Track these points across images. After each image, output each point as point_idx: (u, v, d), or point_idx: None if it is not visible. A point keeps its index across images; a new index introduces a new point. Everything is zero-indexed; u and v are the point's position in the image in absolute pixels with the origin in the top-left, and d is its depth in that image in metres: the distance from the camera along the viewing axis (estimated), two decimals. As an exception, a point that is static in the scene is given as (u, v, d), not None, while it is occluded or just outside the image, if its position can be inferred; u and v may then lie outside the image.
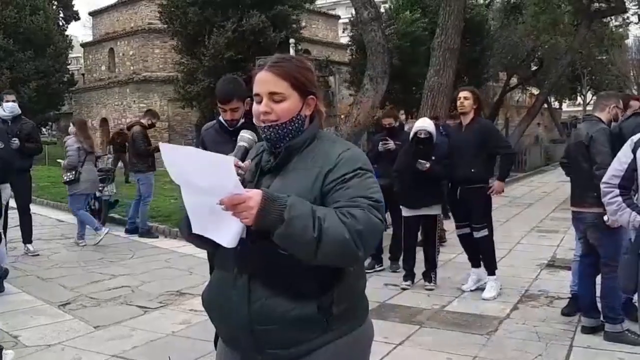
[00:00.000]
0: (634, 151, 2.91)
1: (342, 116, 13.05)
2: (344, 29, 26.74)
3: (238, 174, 1.55)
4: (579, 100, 38.82)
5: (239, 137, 1.80)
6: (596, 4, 17.05)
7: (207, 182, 1.50)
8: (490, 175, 5.54)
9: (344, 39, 26.65)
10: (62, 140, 8.82)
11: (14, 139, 6.62)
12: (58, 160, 8.30)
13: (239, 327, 1.67)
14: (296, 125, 1.71)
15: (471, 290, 5.52)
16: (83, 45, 29.41)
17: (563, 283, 5.55)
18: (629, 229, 2.98)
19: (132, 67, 24.33)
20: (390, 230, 6.34)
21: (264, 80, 1.70)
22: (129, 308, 5.09)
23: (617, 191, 2.97)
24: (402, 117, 8.20)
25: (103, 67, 26.53)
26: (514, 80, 25.35)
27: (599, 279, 4.34)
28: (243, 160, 1.73)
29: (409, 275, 5.78)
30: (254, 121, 1.76)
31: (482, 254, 5.49)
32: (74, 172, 7.52)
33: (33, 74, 23.85)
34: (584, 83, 32.64)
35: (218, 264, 1.79)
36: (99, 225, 7.74)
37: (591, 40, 20.30)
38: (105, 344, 4.17)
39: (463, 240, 5.63)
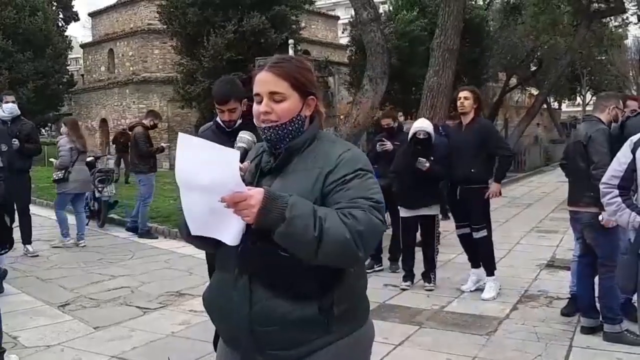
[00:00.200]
0: (633, 151, 2.91)
1: (342, 117, 13.05)
2: (344, 30, 26.77)
3: None
4: (579, 100, 38.87)
5: (237, 138, 1.80)
6: (595, 5, 17.07)
7: (210, 177, 1.50)
8: (490, 175, 5.54)
9: (344, 40, 26.65)
10: (55, 140, 8.81)
11: (14, 139, 6.62)
12: (51, 160, 8.31)
13: (239, 328, 1.67)
14: (296, 125, 1.71)
15: (471, 291, 5.52)
16: (82, 46, 29.42)
17: (562, 283, 5.55)
18: (628, 230, 2.98)
19: (131, 68, 24.33)
20: (389, 231, 6.34)
21: (265, 81, 1.71)
22: (128, 309, 5.09)
23: (617, 191, 2.97)
24: (401, 117, 8.20)
25: (102, 68, 26.54)
26: (513, 81, 25.37)
27: (597, 279, 4.35)
28: (242, 161, 1.73)
29: (409, 276, 5.78)
30: (254, 122, 1.76)
31: (481, 254, 5.49)
32: (63, 171, 7.52)
33: (32, 75, 23.86)
34: (583, 83, 32.67)
35: (219, 265, 1.79)
36: (67, 233, 7.68)
37: (590, 40, 20.32)
38: (105, 345, 4.17)
39: (463, 241, 5.63)
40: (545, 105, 27.01)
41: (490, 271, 5.43)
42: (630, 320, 4.26)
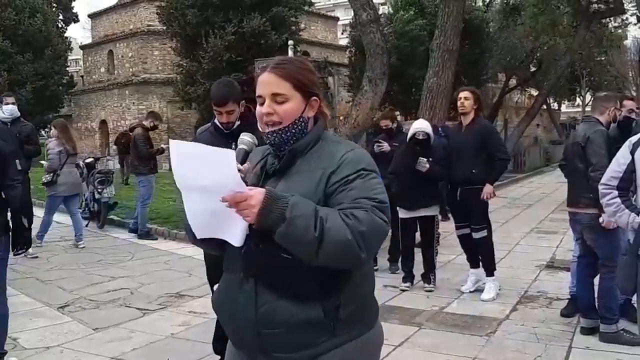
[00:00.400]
0: (632, 152, 2.91)
1: (341, 117, 13.06)
2: (343, 31, 26.81)
3: None
4: (578, 101, 38.86)
5: (239, 140, 1.80)
6: (595, 5, 17.09)
7: (210, 179, 1.51)
8: (490, 176, 5.52)
9: (343, 41, 26.69)
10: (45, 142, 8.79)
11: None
12: (41, 162, 8.32)
13: (245, 330, 1.67)
14: (299, 127, 1.71)
15: (470, 292, 5.52)
16: (82, 47, 29.42)
17: (562, 284, 5.55)
18: (627, 230, 2.98)
19: (131, 69, 24.34)
20: (389, 232, 6.33)
21: (267, 82, 1.71)
22: (128, 310, 5.09)
23: (616, 192, 2.97)
24: (399, 117, 8.18)
25: (102, 69, 26.55)
26: (513, 82, 25.37)
27: (597, 280, 4.35)
28: (243, 163, 1.73)
29: (408, 277, 5.78)
30: (258, 124, 1.76)
31: (481, 255, 5.49)
32: (52, 174, 7.50)
33: (31, 76, 23.86)
34: (583, 84, 32.67)
35: (226, 266, 1.79)
36: (42, 236, 7.61)
37: (590, 41, 20.34)
38: (105, 346, 4.17)
39: (463, 241, 5.62)
40: (544, 106, 27.02)
41: (490, 271, 5.42)
42: (630, 320, 4.27)
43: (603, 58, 28.60)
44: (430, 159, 5.51)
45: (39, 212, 10.00)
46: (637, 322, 3.09)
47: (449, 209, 6.04)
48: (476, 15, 18.11)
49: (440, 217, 6.60)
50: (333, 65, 16.68)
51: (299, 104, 1.71)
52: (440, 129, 7.79)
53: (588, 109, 29.09)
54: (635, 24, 22.49)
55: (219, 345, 3.62)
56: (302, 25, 19.09)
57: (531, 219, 10.32)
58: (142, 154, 8.27)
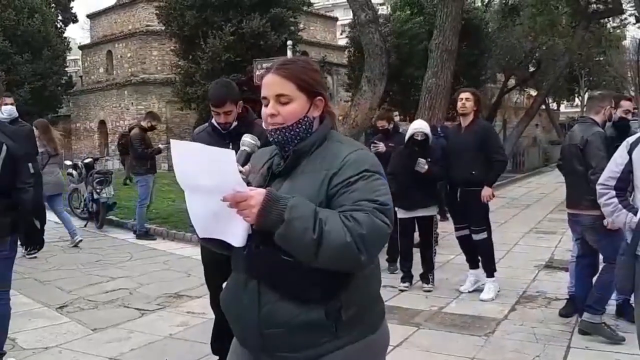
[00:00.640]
0: (629, 152, 2.92)
1: (340, 117, 13.08)
2: (342, 31, 26.82)
3: None
4: (577, 101, 38.88)
5: (241, 141, 1.81)
6: (594, 5, 17.12)
7: (211, 180, 1.52)
8: (488, 178, 5.52)
9: (342, 41, 26.70)
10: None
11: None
12: None
13: (249, 329, 1.68)
14: (304, 127, 1.71)
15: (469, 292, 5.52)
16: (81, 47, 29.41)
17: (561, 284, 5.56)
18: (625, 230, 2.99)
19: (130, 69, 24.34)
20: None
21: (271, 83, 1.71)
22: (126, 310, 5.08)
23: (613, 192, 2.98)
24: (397, 118, 8.18)
25: (101, 69, 26.54)
26: (512, 82, 25.37)
27: (597, 276, 4.35)
28: (245, 164, 1.74)
29: (407, 277, 5.78)
30: (263, 125, 1.77)
31: (481, 256, 5.48)
32: None
33: (30, 77, 23.82)
34: (581, 84, 32.66)
35: (233, 266, 1.79)
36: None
37: (589, 41, 20.34)
38: (103, 347, 4.17)
39: (462, 242, 5.62)
40: (543, 106, 27.02)
41: (490, 273, 5.42)
42: (628, 320, 4.28)
43: (602, 58, 28.59)
44: (429, 160, 5.51)
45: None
46: (635, 322, 3.09)
47: (447, 209, 6.05)
48: (475, 15, 18.12)
49: (439, 217, 6.60)
50: (332, 65, 16.72)
51: (303, 104, 1.70)
52: (439, 129, 7.79)
53: (587, 109, 29.15)
54: (634, 24, 22.52)
55: (217, 345, 3.63)
56: (301, 26, 19.10)
57: (530, 219, 10.32)
58: (137, 154, 8.31)
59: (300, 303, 1.61)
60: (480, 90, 6.47)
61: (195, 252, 6.45)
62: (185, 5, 16.00)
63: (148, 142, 8.50)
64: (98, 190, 8.99)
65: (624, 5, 18.43)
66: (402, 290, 5.65)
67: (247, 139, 1.80)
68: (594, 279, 4.39)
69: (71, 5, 33.54)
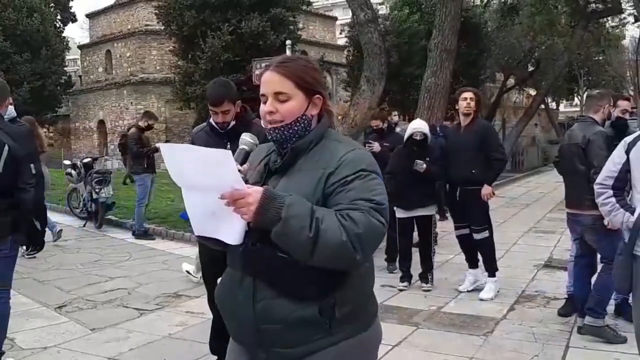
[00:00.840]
0: (627, 152, 2.92)
1: (339, 117, 13.08)
2: (341, 31, 26.78)
3: None
4: (576, 100, 38.89)
5: (240, 140, 1.81)
6: (593, 5, 17.13)
7: (207, 179, 1.52)
8: (487, 177, 5.51)
9: (342, 40, 26.67)
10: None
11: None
12: None
13: (245, 325, 1.69)
14: (302, 125, 1.72)
15: (468, 291, 5.52)
16: (80, 47, 29.39)
17: (560, 283, 5.55)
18: (622, 230, 2.99)
19: (129, 69, 24.33)
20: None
21: (270, 81, 1.72)
22: (125, 310, 5.08)
23: (611, 192, 2.98)
24: (395, 118, 8.18)
25: (100, 69, 26.53)
26: (511, 81, 25.37)
27: (594, 279, 4.35)
28: (243, 163, 1.74)
29: (406, 277, 5.78)
30: (261, 122, 1.77)
31: (482, 255, 5.48)
32: None
33: (29, 76, 23.82)
34: (580, 84, 32.67)
35: (229, 262, 1.80)
36: None
37: (588, 41, 20.36)
38: (102, 347, 4.17)
39: (462, 242, 5.62)
40: (543, 106, 27.04)
41: (491, 272, 5.41)
42: (627, 320, 4.28)
43: (601, 58, 28.59)
44: (428, 159, 5.51)
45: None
46: (633, 321, 3.09)
47: (447, 208, 6.04)
48: (474, 14, 18.12)
49: (438, 216, 6.61)
50: (331, 64, 16.73)
51: (301, 103, 1.71)
52: (438, 128, 7.79)
53: (586, 108, 29.14)
54: (632, 24, 22.54)
55: (215, 344, 3.63)
56: (301, 25, 19.10)
57: (529, 218, 10.33)
58: (133, 153, 8.34)
59: (296, 300, 1.62)
60: (479, 90, 6.46)
61: (193, 252, 6.45)
62: (185, 5, 15.99)
63: (144, 141, 8.52)
64: (97, 190, 8.99)
65: (622, 5, 18.45)
66: (401, 290, 5.65)
67: (246, 138, 1.80)
68: (593, 279, 4.39)
69: (70, 5, 33.50)
